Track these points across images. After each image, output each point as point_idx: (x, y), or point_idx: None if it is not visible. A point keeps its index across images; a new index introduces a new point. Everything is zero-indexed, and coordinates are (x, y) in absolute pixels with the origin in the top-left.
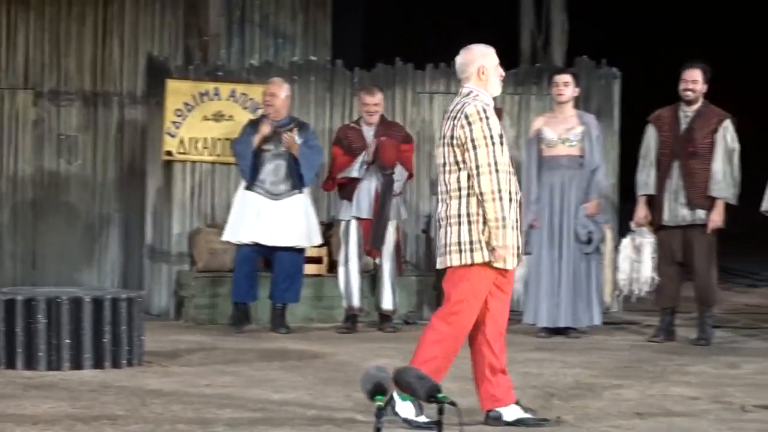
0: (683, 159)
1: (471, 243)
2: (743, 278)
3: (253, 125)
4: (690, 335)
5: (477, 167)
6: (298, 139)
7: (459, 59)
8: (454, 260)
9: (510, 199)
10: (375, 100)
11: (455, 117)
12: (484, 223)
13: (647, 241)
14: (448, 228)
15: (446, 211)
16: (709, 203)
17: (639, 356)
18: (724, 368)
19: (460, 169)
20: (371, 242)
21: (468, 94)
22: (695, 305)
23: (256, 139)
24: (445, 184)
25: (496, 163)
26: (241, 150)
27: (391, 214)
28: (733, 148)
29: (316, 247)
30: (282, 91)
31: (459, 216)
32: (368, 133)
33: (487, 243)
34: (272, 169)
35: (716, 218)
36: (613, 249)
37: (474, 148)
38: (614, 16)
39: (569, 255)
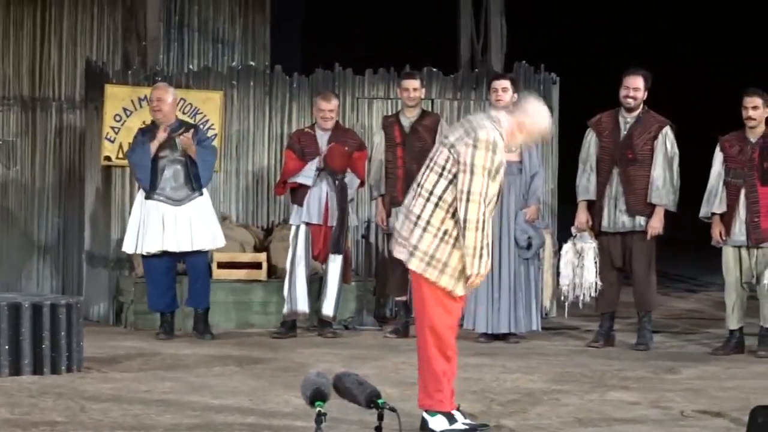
0: (623, 165)
1: (444, 264)
2: (682, 283)
3: (144, 133)
4: (629, 340)
5: (468, 192)
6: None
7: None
8: (420, 269)
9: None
10: (330, 106)
11: (467, 132)
12: (453, 245)
13: (589, 246)
14: (415, 228)
15: (413, 206)
16: (649, 210)
17: (578, 361)
18: (663, 373)
19: (441, 176)
20: (331, 247)
21: (493, 118)
22: (634, 310)
23: (153, 146)
24: (422, 179)
25: (486, 195)
26: (138, 159)
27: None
28: (673, 155)
29: (255, 251)
30: (169, 95)
31: (420, 219)
32: (322, 138)
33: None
34: (171, 175)
35: (656, 225)
36: (553, 254)
37: (471, 173)
38: (553, 21)
39: (508, 260)
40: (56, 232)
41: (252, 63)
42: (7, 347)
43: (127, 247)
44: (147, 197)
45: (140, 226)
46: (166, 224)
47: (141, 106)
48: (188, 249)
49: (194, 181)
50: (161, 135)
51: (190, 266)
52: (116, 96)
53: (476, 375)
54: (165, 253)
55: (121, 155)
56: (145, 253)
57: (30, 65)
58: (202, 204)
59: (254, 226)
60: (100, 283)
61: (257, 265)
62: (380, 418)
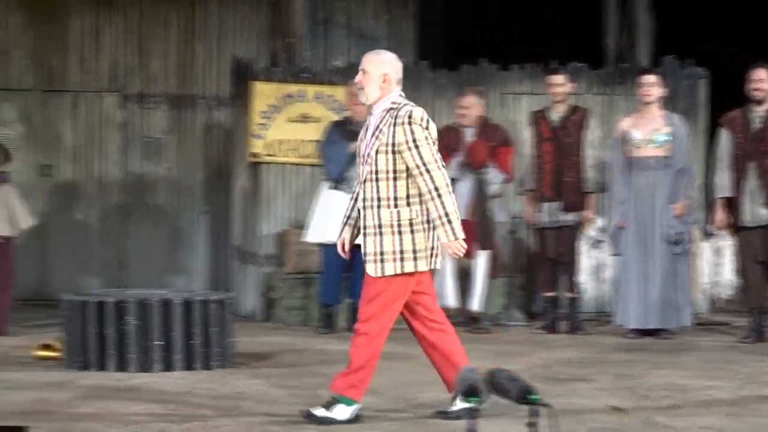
0: (758, 159)
1: (414, 252)
2: None
3: (337, 126)
4: None
5: (424, 163)
6: None
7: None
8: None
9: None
10: (464, 102)
11: (394, 118)
12: (426, 223)
13: (726, 244)
14: (391, 236)
15: (378, 218)
16: None
17: (729, 357)
18: None
19: (396, 178)
20: (477, 242)
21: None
22: None
23: (353, 147)
24: (373, 192)
25: (440, 160)
26: (333, 154)
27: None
28: None
29: None
30: None
31: (398, 225)
32: (467, 134)
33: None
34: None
35: None
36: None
37: (416, 147)
38: (702, 14)
39: (658, 256)
40: (205, 228)
41: None
42: (159, 343)
43: (311, 236)
44: (333, 188)
45: (324, 216)
46: None
47: (287, 103)
48: None
49: None
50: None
51: (361, 259)
52: (263, 93)
53: (627, 371)
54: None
55: (268, 152)
56: (326, 242)
57: (177, 63)
58: None
59: None
60: (249, 279)
61: None
62: (533, 414)
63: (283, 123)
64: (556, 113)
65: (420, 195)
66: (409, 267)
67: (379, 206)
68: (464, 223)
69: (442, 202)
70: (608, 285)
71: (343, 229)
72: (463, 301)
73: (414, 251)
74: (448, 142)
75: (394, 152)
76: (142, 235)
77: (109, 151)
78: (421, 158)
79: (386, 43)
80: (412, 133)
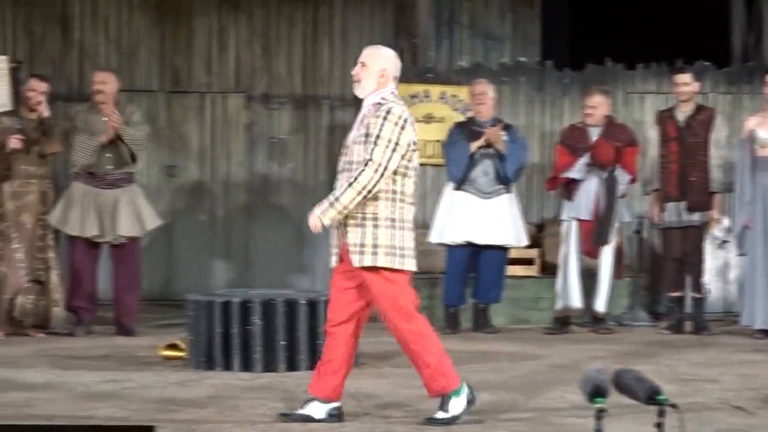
0: None
1: (402, 249)
2: None
3: (460, 127)
4: None
5: (370, 160)
6: (504, 138)
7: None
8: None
9: (412, 203)
10: (591, 102)
11: (376, 110)
12: (334, 203)
13: None
14: (372, 228)
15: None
16: None
17: None
18: None
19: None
20: (595, 240)
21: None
22: None
23: (474, 146)
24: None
25: (386, 168)
26: (456, 155)
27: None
28: None
29: (527, 248)
30: (491, 90)
31: (379, 218)
32: (593, 133)
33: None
34: (482, 169)
35: None
36: None
37: (375, 144)
38: None
39: None
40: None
41: (522, 59)
42: (283, 343)
43: (434, 237)
44: (456, 188)
45: (447, 217)
46: (473, 216)
47: (412, 103)
48: (491, 242)
49: (503, 178)
50: (492, 131)
51: (486, 260)
52: None
53: (753, 371)
54: (467, 245)
55: None
56: (450, 243)
57: (302, 64)
58: (509, 201)
59: (526, 222)
60: None
61: (529, 261)
62: (661, 414)
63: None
64: (682, 113)
65: (392, 192)
66: (367, 261)
67: None
68: (589, 223)
69: (347, 192)
70: (734, 285)
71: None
72: (588, 302)
73: (374, 246)
74: (574, 142)
75: (365, 143)
76: (267, 236)
77: (234, 152)
78: (372, 154)
79: (510, 43)
80: (381, 128)
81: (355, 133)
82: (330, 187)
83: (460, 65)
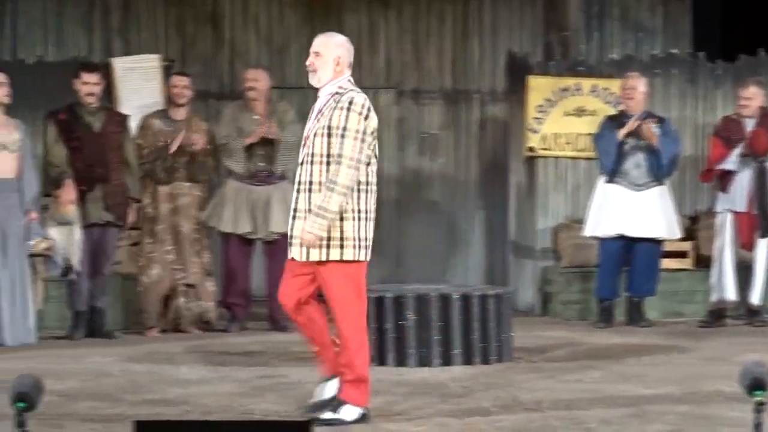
0: None
1: (367, 240)
2: None
3: (611, 120)
4: None
5: (340, 156)
6: (656, 130)
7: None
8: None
9: (374, 191)
10: (746, 93)
11: (337, 102)
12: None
13: None
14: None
15: (309, 202)
16: None
17: None
18: None
19: (330, 163)
20: (759, 231)
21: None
22: None
23: (620, 134)
24: (306, 175)
25: (359, 160)
26: (604, 145)
27: None
28: None
29: (681, 240)
30: (641, 84)
31: (346, 210)
32: (748, 125)
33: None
34: (634, 162)
35: None
36: None
37: (343, 136)
38: None
39: None
40: (480, 223)
41: (674, 51)
42: (437, 338)
43: (588, 230)
44: (608, 181)
45: (600, 210)
46: (626, 209)
47: (563, 97)
48: (644, 235)
49: (656, 171)
50: (631, 124)
51: (640, 253)
52: (538, 87)
53: None
54: (620, 238)
55: (544, 146)
56: (603, 236)
57: (452, 59)
58: (662, 193)
59: (680, 215)
60: (525, 273)
61: (683, 254)
62: None
63: (559, 117)
64: None
65: (357, 182)
66: (334, 254)
67: (310, 190)
68: (744, 215)
69: (330, 197)
70: None
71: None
72: (743, 294)
73: (341, 239)
74: (728, 133)
75: (329, 135)
76: (419, 231)
77: (385, 148)
78: (341, 149)
79: (662, 36)
80: (346, 120)
81: (314, 124)
82: (482, 181)
83: (612, 58)
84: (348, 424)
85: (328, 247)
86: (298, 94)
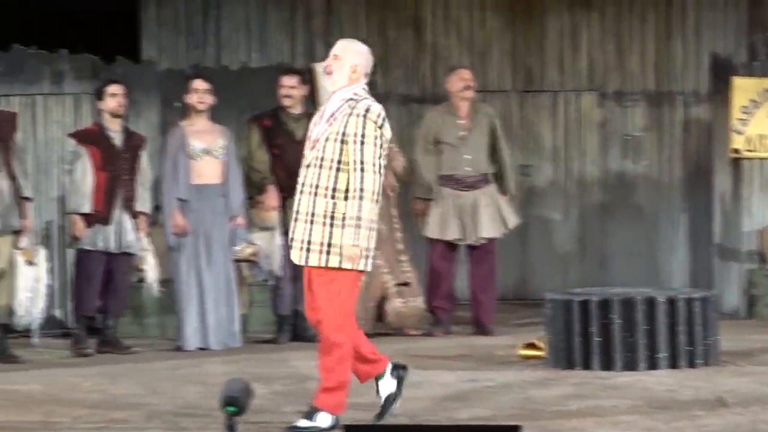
0: None
1: (368, 250)
2: None
3: None
4: None
5: (362, 162)
6: None
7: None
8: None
9: (378, 201)
10: None
11: (352, 108)
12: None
13: None
14: (325, 227)
15: (312, 206)
16: None
17: None
18: None
19: (339, 169)
20: None
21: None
22: None
23: None
24: (315, 179)
25: (380, 165)
26: None
27: None
28: None
29: None
30: None
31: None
32: None
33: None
34: None
35: None
36: None
37: (362, 143)
38: None
39: None
40: (685, 226)
41: None
42: (643, 341)
43: None
44: None
45: None
46: None
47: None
48: None
49: None
50: None
51: None
52: (743, 88)
53: None
54: None
55: (749, 147)
56: None
57: (655, 60)
58: None
59: None
60: (731, 276)
61: None
62: None
63: (764, 118)
64: None
65: (360, 190)
66: (333, 261)
67: (316, 194)
68: None
69: (360, 205)
70: None
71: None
72: None
73: (342, 247)
74: None
75: (343, 141)
76: (623, 234)
77: (587, 150)
78: (362, 155)
79: None
80: (364, 127)
81: (324, 128)
82: (686, 184)
83: None
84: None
85: (327, 253)
86: (499, 96)
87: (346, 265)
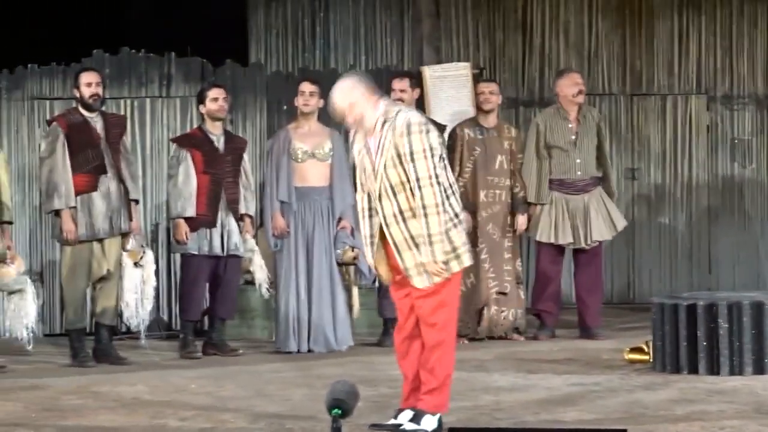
0: None
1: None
2: None
3: None
4: None
5: (417, 179)
6: None
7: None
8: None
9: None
10: None
11: (393, 129)
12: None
13: None
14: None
15: (408, 230)
16: None
17: None
18: None
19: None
20: None
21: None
22: None
23: None
24: (396, 206)
25: (437, 176)
26: None
27: None
28: None
29: None
30: None
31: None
32: None
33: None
34: None
35: None
36: None
37: (412, 160)
38: None
39: None
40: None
41: None
42: (750, 346)
43: None
44: None
45: None
46: None
47: None
48: None
49: None
50: None
51: None
52: None
53: None
54: None
55: None
56: None
57: (764, 64)
58: None
59: None
60: None
61: None
62: None
63: None
64: None
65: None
66: (455, 266)
67: (404, 219)
68: None
69: (427, 222)
70: None
71: (372, 250)
72: None
73: (453, 248)
74: None
75: (401, 163)
76: (730, 238)
77: (696, 154)
78: (416, 173)
79: None
80: (410, 144)
81: (379, 159)
82: None
83: None
84: None
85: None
86: (607, 99)
87: (435, 280)
